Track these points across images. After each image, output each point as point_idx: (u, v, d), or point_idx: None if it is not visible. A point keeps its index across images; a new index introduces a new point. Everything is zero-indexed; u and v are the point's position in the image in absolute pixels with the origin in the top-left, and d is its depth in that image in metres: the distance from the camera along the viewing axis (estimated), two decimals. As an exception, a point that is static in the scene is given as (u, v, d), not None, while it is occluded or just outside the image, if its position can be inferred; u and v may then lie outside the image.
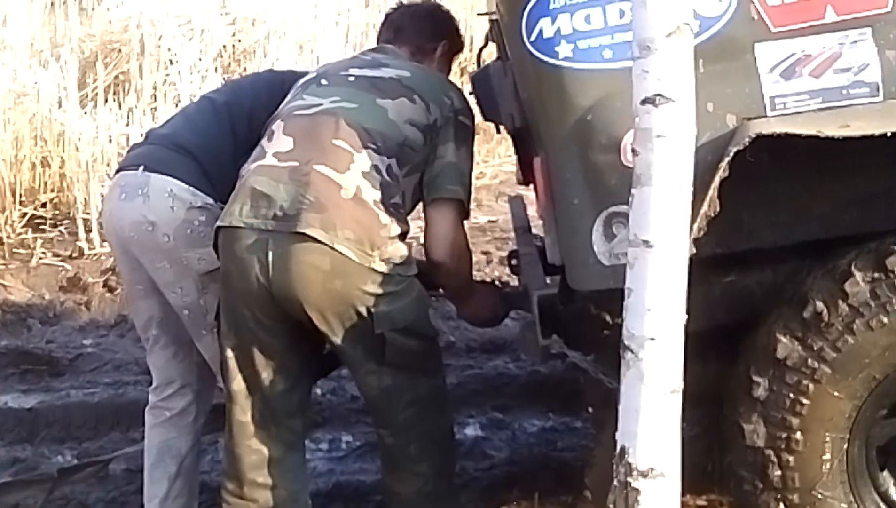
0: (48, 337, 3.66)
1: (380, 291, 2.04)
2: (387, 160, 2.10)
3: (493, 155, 4.90)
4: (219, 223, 2.13)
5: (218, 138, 2.38)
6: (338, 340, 2.07)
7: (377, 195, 2.07)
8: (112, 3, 6.04)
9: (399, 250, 2.07)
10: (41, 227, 4.46)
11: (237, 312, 2.13)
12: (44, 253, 4.25)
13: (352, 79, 2.25)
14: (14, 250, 4.30)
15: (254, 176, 2.11)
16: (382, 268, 2.04)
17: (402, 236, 2.10)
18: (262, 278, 2.05)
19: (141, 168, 2.35)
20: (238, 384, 2.15)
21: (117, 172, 2.46)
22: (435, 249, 2.16)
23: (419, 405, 2.11)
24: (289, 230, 2.03)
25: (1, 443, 3.03)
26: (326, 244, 2.01)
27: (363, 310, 2.04)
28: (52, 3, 6.16)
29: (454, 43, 2.50)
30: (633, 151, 1.49)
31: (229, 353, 2.16)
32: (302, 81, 2.31)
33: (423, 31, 2.42)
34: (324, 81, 2.26)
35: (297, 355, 2.16)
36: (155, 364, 2.49)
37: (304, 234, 2.02)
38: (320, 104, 2.18)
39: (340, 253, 2.01)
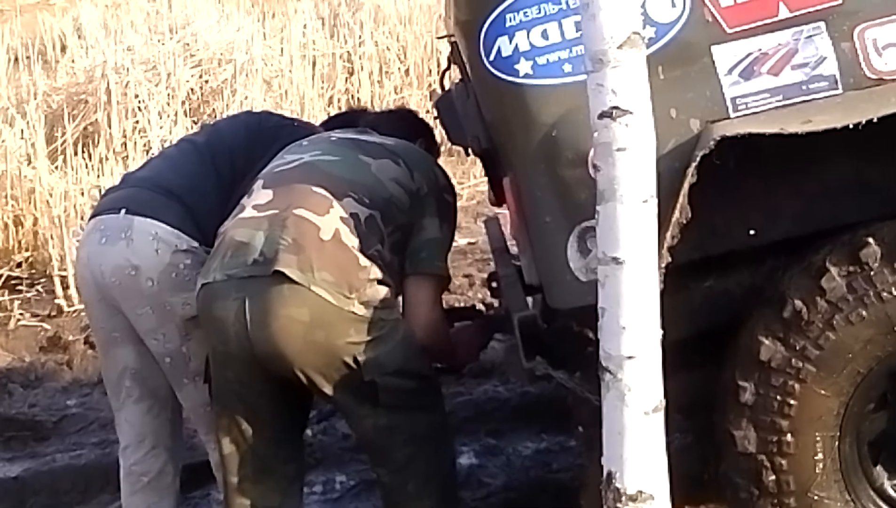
0: (31, 401, 3.58)
1: (363, 338, 2.00)
2: (368, 211, 2.09)
3: (469, 176, 4.89)
4: (201, 280, 2.10)
5: (202, 178, 2.34)
6: (328, 390, 2.04)
7: (356, 241, 2.05)
8: (76, 54, 6.04)
9: (379, 294, 2.04)
10: (17, 288, 4.39)
11: (220, 375, 2.10)
12: (22, 314, 4.19)
13: (334, 138, 2.28)
14: (-9, 313, 4.26)
15: (233, 229, 2.10)
16: (362, 312, 2.00)
17: (383, 283, 2.06)
18: (242, 338, 2.02)
19: (123, 211, 2.29)
20: (227, 446, 2.12)
21: (93, 216, 2.39)
22: (411, 324, 2.12)
23: (416, 442, 2.08)
24: (265, 274, 2.00)
25: (-13, 516, 2.97)
26: (303, 285, 1.98)
27: (349, 360, 2.01)
28: (14, 59, 6.15)
29: (431, 143, 2.50)
30: (595, 166, 1.47)
31: (218, 417, 2.14)
32: (283, 150, 2.29)
33: (399, 130, 2.40)
34: (304, 143, 2.28)
35: (285, 408, 2.13)
36: (127, 420, 2.41)
37: (280, 274, 1.99)
38: (301, 158, 2.18)
39: (318, 296, 1.98)
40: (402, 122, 2.50)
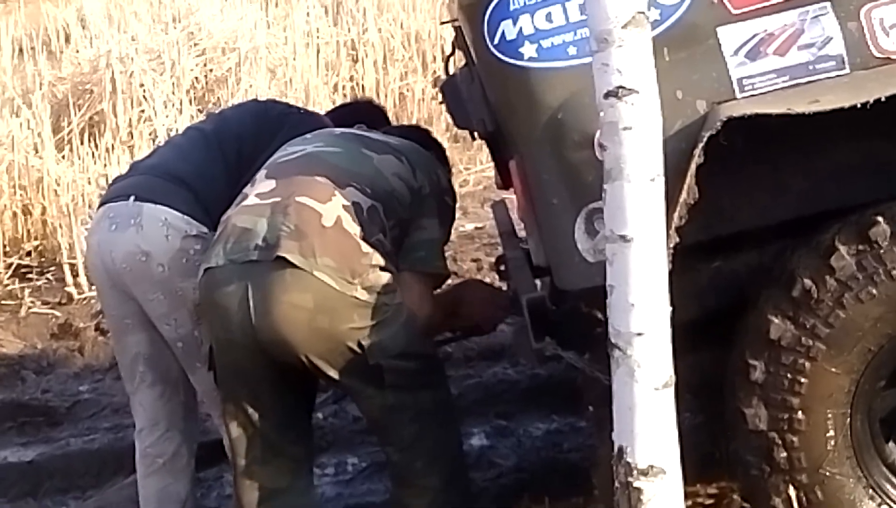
0: (43, 387, 3.63)
1: (367, 323, 2.02)
2: (370, 201, 2.11)
3: (475, 161, 4.89)
4: (203, 266, 2.12)
5: (210, 165, 2.36)
6: (333, 374, 2.06)
7: (358, 228, 2.06)
8: (80, 44, 6.04)
9: (381, 279, 2.05)
10: (28, 276, 4.43)
11: (223, 361, 2.12)
12: (32, 302, 4.23)
13: (337, 133, 2.32)
14: (2, 301, 4.28)
15: (235, 216, 2.12)
16: (365, 297, 2.02)
17: (384, 269, 2.08)
18: (246, 326, 2.03)
19: (132, 198, 2.31)
20: (234, 429, 2.15)
21: (101, 204, 2.41)
22: None
23: (423, 419, 2.11)
24: (268, 259, 2.02)
25: (4, 500, 3.00)
26: (305, 271, 2.00)
27: (354, 345, 2.02)
28: (19, 50, 6.16)
29: (441, 159, 2.51)
30: (601, 145, 1.48)
31: (223, 402, 2.16)
32: (287, 142, 2.32)
33: (410, 138, 2.40)
34: (308, 135, 2.30)
35: (289, 391, 2.15)
36: (141, 404, 2.44)
37: (283, 260, 2.01)
38: (303, 149, 2.21)
39: (321, 281, 2.00)
40: (416, 132, 2.53)
